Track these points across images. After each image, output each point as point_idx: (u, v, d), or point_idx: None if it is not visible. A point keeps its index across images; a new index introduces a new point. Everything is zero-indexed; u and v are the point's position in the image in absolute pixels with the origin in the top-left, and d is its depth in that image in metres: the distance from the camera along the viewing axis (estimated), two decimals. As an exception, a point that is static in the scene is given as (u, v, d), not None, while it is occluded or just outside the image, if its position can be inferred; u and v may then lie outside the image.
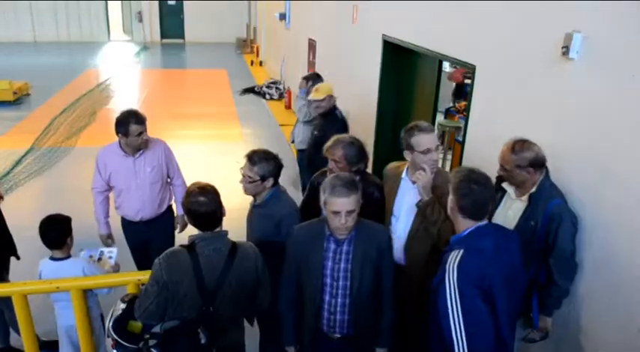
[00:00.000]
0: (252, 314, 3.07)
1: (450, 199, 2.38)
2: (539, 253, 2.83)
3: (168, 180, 4.18)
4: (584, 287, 2.85)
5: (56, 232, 3.26)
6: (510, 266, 2.36)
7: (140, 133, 3.77)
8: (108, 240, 4.22)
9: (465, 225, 2.36)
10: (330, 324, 2.78)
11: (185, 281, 2.54)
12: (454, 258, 2.25)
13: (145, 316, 2.57)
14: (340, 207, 2.53)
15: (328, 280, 2.72)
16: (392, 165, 3.44)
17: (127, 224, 4.15)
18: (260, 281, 2.78)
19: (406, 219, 3.13)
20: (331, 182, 2.58)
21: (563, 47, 2.85)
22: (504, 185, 3.02)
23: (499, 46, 3.59)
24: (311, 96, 5.12)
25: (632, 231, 2.54)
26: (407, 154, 3.07)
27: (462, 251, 2.26)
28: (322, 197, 2.60)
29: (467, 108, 4.07)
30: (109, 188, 4.05)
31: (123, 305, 2.64)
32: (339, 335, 2.81)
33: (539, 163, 2.78)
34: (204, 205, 2.56)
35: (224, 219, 2.70)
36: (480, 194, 2.32)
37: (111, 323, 2.58)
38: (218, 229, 2.66)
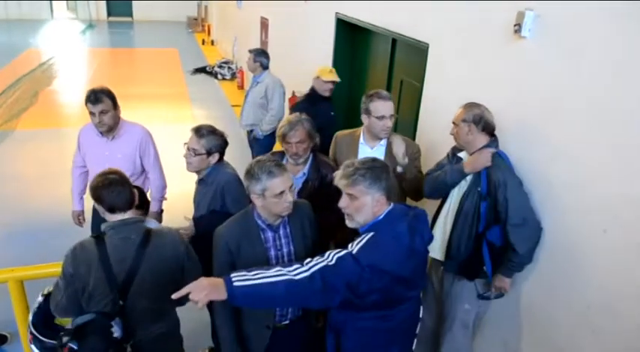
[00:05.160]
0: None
1: (370, 197, 2.20)
2: (491, 216, 2.83)
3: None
4: (535, 264, 2.88)
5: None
6: (422, 244, 2.25)
7: (92, 113, 3.48)
8: (79, 217, 3.98)
9: (382, 209, 2.24)
10: (283, 312, 2.69)
11: (92, 273, 2.34)
12: (364, 239, 2.13)
13: (58, 310, 2.41)
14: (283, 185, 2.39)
15: None
16: (344, 132, 3.57)
17: (95, 212, 3.72)
18: (186, 268, 2.55)
19: None
20: (268, 165, 2.40)
21: (515, 25, 2.84)
22: (460, 154, 3.05)
23: (452, 24, 3.56)
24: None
25: (583, 207, 2.57)
26: (364, 118, 3.26)
27: (372, 234, 2.15)
28: (263, 182, 2.38)
29: (419, 88, 4.05)
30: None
31: (41, 299, 2.49)
32: (287, 322, 2.72)
33: (482, 123, 2.83)
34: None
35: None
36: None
37: (31, 318, 2.44)
38: (127, 215, 2.43)
